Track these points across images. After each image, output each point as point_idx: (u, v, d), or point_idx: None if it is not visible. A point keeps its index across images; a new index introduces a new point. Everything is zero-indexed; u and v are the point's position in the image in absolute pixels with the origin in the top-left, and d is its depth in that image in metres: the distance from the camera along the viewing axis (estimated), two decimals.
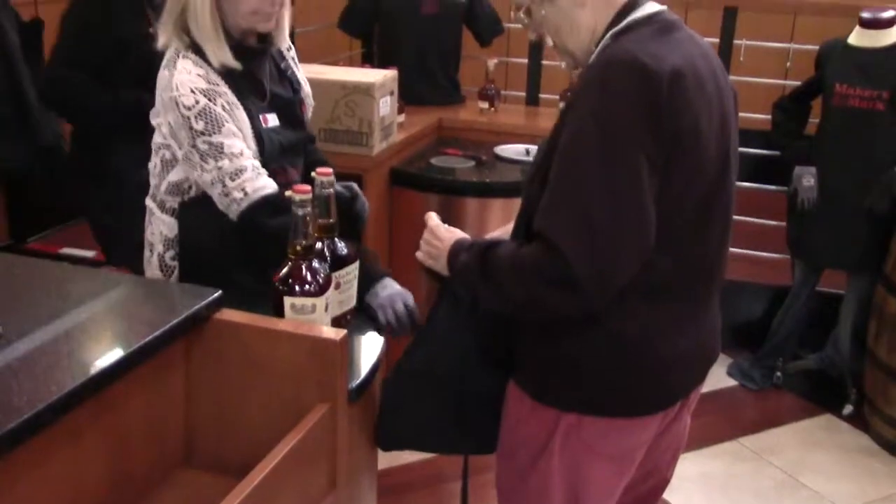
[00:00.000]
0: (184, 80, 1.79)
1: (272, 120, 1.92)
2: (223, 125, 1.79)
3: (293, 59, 2.08)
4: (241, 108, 1.84)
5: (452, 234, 1.64)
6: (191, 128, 1.78)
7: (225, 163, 1.79)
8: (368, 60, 4.10)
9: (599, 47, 1.51)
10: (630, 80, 1.39)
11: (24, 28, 3.08)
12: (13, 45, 2.96)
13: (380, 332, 1.84)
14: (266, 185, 1.82)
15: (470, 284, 1.57)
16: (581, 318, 1.47)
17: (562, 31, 1.55)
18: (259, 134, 1.87)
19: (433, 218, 1.69)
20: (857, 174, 3.28)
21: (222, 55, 1.82)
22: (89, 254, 3.28)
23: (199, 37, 1.82)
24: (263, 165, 1.85)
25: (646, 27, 1.48)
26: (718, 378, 3.67)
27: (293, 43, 3.60)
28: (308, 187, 1.54)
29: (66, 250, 3.38)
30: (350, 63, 4.15)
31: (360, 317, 1.84)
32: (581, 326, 1.49)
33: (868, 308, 3.37)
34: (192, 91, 1.78)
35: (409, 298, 1.87)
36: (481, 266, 1.50)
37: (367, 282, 1.84)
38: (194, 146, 1.80)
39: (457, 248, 1.58)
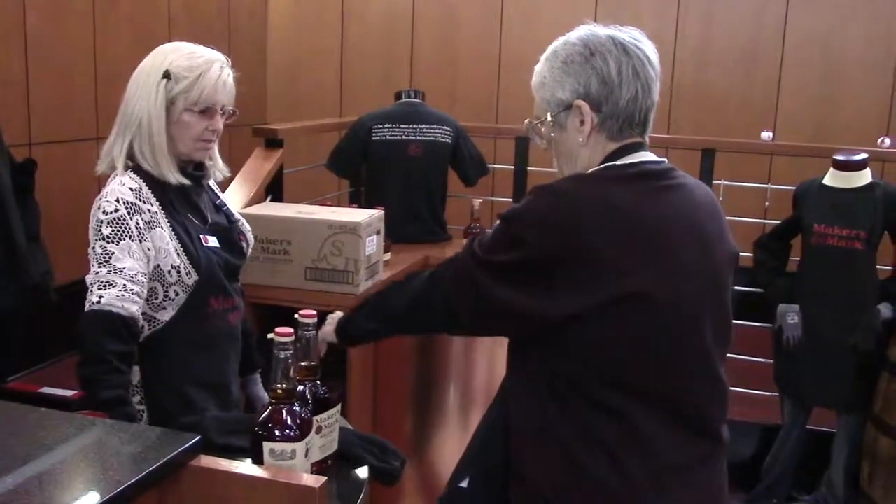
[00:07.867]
0: (114, 188, 1.86)
1: (213, 241, 1.97)
2: (123, 239, 1.81)
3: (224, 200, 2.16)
4: (167, 225, 1.87)
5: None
6: (99, 230, 1.82)
7: (103, 270, 1.80)
8: (356, 200, 4.18)
9: None
10: (545, 206, 1.47)
11: (17, 168, 3.12)
12: (4, 184, 2.99)
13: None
14: (125, 306, 1.78)
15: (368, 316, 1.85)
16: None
17: (563, 156, 1.62)
18: (195, 249, 1.90)
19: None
20: (840, 312, 3.31)
21: (175, 174, 1.90)
22: (68, 393, 3.23)
23: (150, 158, 1.88)
24: (204, 281, 1.88)
25: (618, 171, 1.52)
26: None
27: (282, 182, 3.65)
28: (290, 330, 1.53)
29: (46, 390, 3.33)
30: (338, 202, 4.22)
31: (342, 461, 1.79)
32: (570, 474, 1.47)
33: (859, 447, 3.33)
34: (118, 200, 1.84)
35: None
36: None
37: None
38: (93, 248, 1.83)
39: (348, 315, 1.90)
